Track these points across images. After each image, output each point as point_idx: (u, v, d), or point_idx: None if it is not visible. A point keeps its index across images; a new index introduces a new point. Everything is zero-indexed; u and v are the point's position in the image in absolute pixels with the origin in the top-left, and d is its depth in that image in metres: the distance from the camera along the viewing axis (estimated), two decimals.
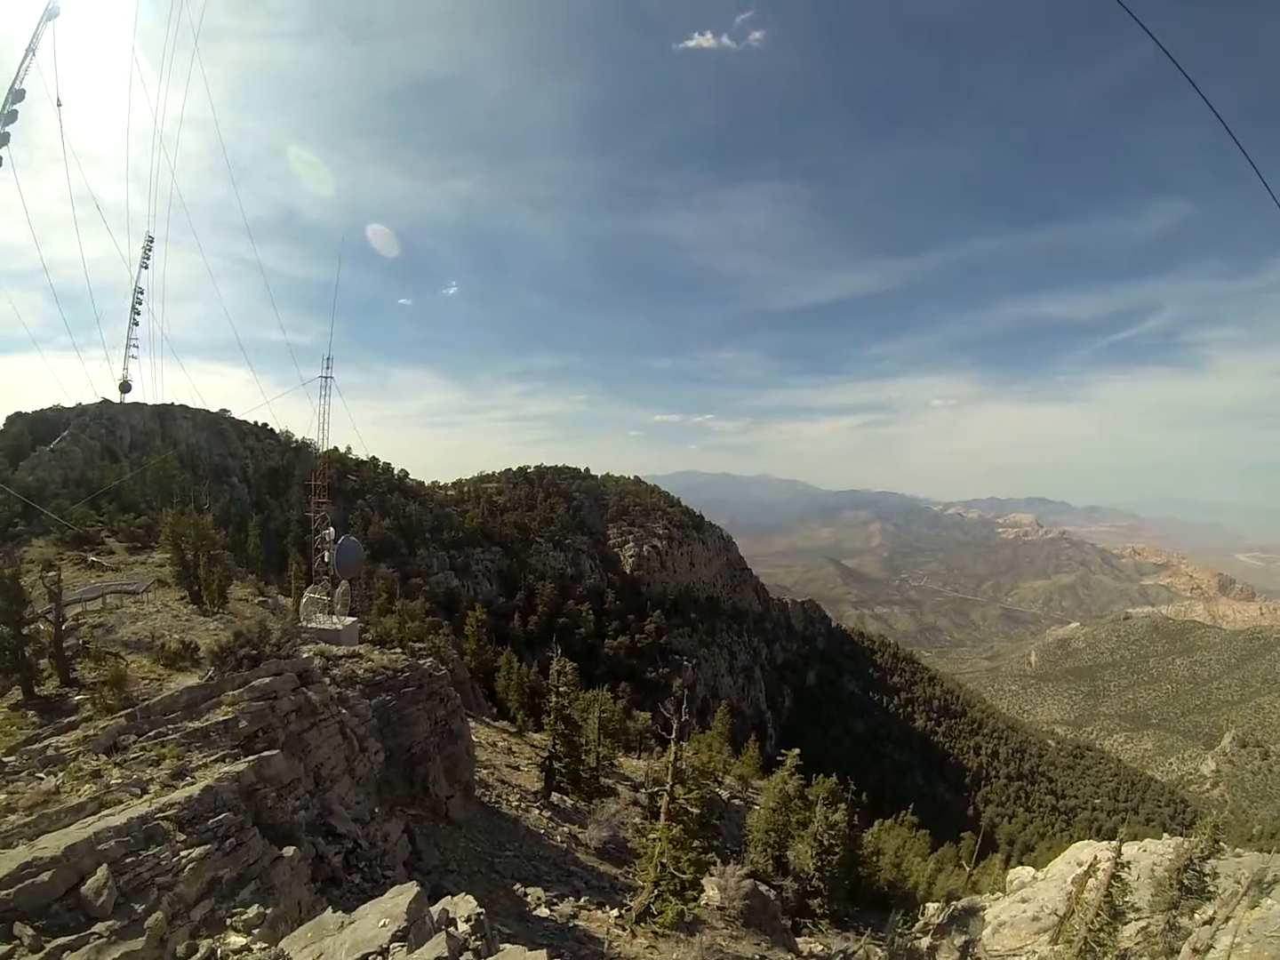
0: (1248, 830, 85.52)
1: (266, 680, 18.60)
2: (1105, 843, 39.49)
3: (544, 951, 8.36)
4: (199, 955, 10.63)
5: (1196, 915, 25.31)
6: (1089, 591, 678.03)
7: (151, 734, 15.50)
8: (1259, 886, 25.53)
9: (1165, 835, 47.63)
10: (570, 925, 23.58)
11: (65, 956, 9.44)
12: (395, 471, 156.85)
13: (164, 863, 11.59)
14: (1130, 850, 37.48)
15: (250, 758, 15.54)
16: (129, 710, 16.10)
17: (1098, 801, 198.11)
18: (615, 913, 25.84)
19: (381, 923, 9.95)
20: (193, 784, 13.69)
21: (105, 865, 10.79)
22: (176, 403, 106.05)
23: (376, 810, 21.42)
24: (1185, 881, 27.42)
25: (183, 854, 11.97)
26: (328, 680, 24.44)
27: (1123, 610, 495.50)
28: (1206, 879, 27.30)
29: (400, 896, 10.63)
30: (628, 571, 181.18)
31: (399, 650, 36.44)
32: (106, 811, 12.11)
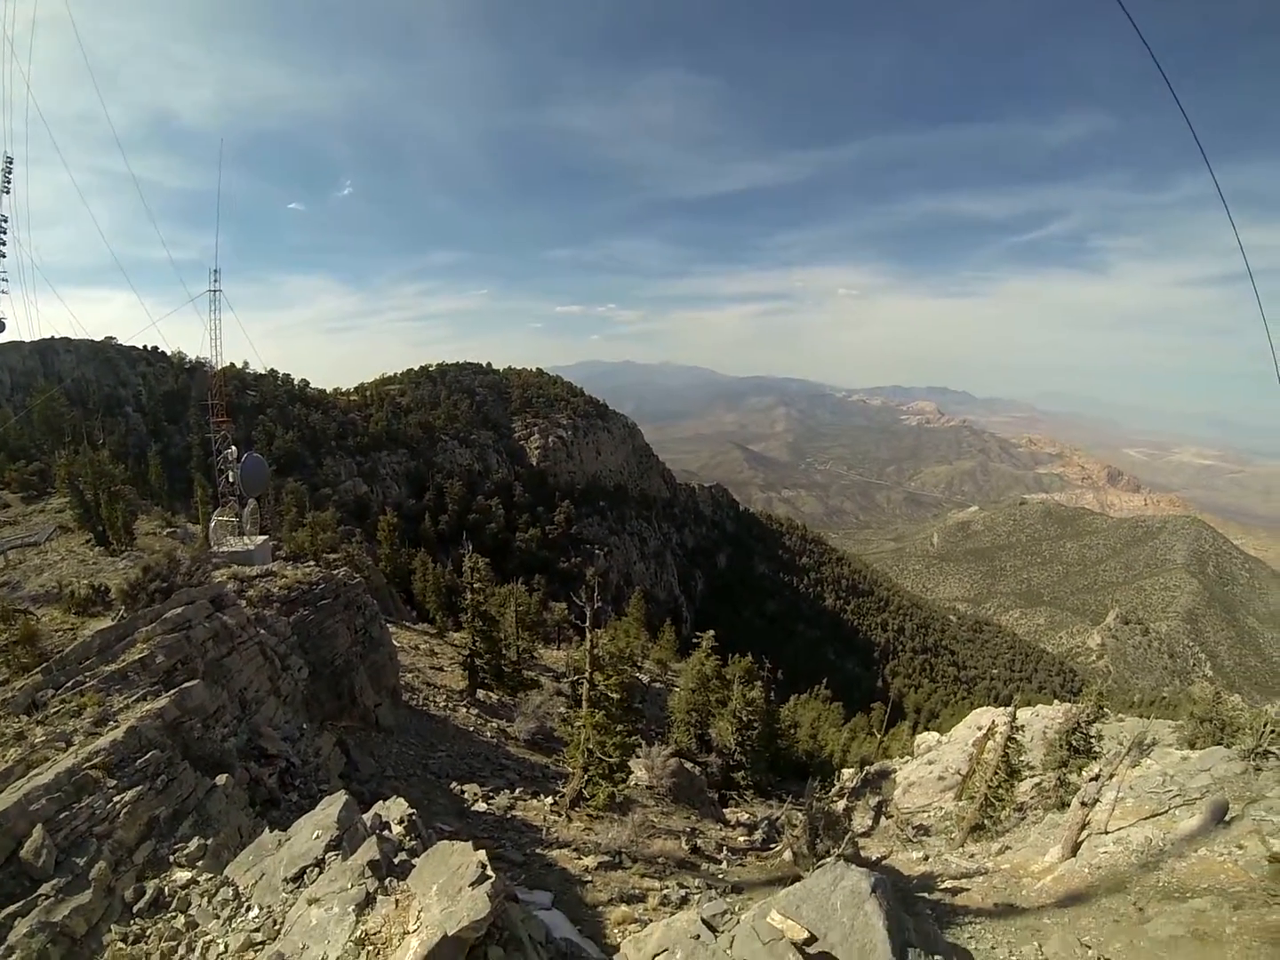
0: (1129, 698, 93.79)
1: (178, 611, 17.97)
2: (1002, 709, 42.97)
3: (470, 843, 8.97)
4: (147, 897, 10.54)
5: (1084, 773, 27.79)
6: (988, 478, 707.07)
7: (69, 685, 14.94)
8: (1139, 748, 28.42)
9: (1055, 702, 52.03)
10: (508, 817, 24.67)
11: (16, 924, 9.47)
12: (295, 382, 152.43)
13: (98, 812, 11.52)
14: (1024, 715, 41.05)
15: (171, 692, 15.24)
16: (44, 665, 15.70)
17: (995, 672, 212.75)
18: (550, 800, 27.01)
19: (315, 835, 10.26)
20: (116, 728, 13.48)
21: (40, 825, 10.73)
22: (57, 336, 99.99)
23: (305, 727, 21.52)
24: (1073, 743, 29.72)
25: (115, 800, 11.90)
26: (243, 603, 23.99)
27: (1019, 496, 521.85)
28: (1092, 740, 29.53)
29: (331, 807, 10.90)
30: (534, 464, 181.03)
31: (313, 563, 36.15)
32: (34, 772, 11.86)
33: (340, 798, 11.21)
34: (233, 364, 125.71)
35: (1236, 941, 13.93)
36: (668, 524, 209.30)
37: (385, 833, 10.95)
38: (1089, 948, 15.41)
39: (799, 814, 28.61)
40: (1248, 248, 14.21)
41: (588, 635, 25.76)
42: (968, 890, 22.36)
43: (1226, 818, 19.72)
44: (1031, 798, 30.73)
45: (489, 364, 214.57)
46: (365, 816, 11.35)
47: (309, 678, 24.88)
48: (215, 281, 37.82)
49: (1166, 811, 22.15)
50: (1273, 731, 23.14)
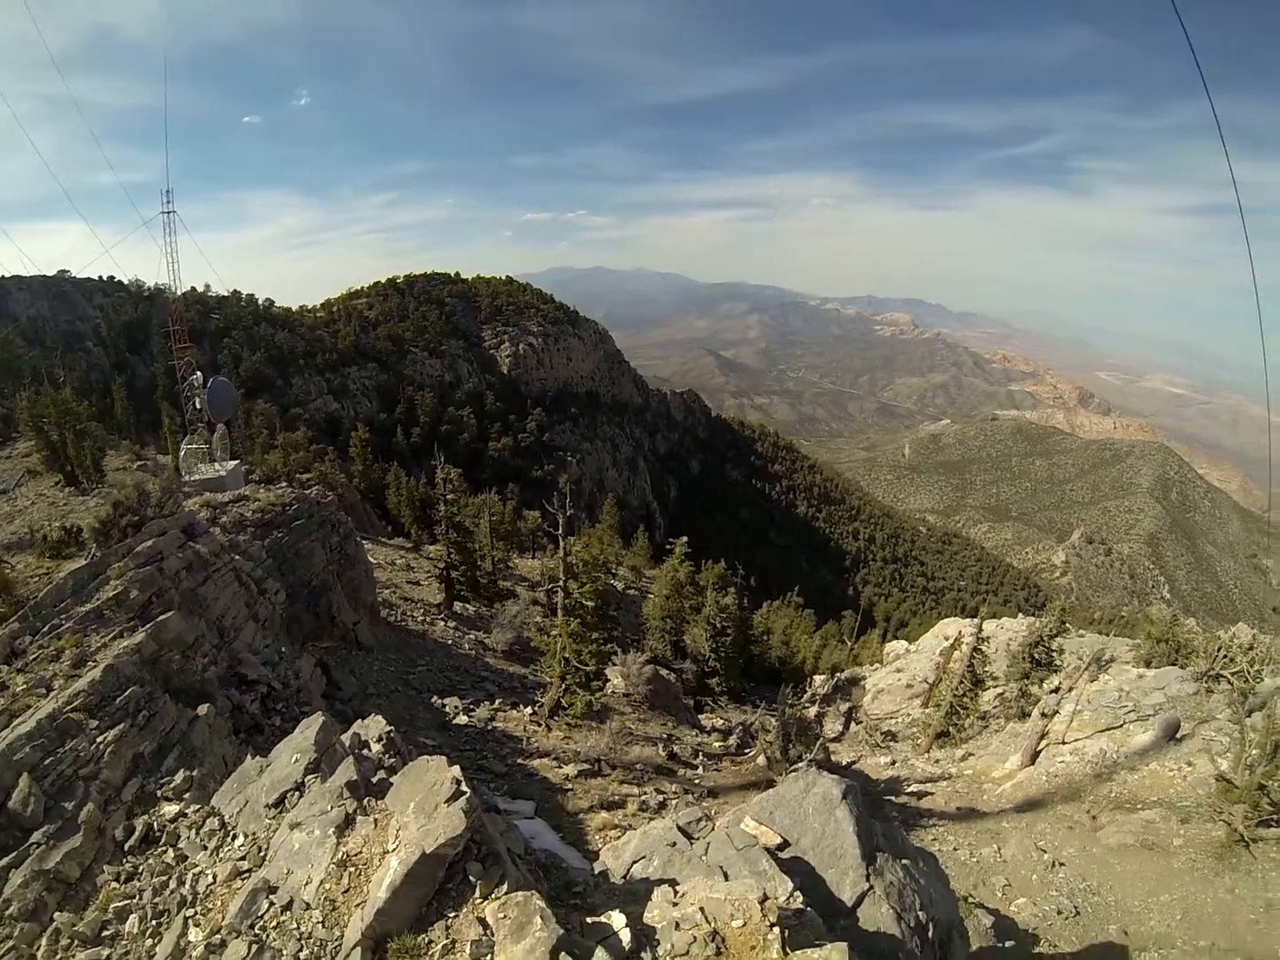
0: (1090, 615, 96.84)
1: (150, 543, 17.69)
2: (969, 620, 44.18)
3: (444, 759, 9.14)
4: (137, 834, 10.59)
5: (1045, 685, 29.09)
6: (960, 392, 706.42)
7: (46, 630, 14.60)
8: (1098, 664, 29.62)
9: (1020, 615, 53.71)
10: (489, 728, 25.38)
11: (10, 875, 9.59)
12: (260, 302, 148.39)
13: (83, 754, 11.53)
14: (989, 627, 42.37)
15: (147, 626, 15.09)
16: (20, 613, 15.54)
17: (963, 584, 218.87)
18: (529, 710, 27.73)
19: (294, 759, 10.20)
20: (94, 668, 13.36)
21: (25, 774, 10.74)
22: (7, 274, 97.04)
23: (285, 650, 21.52)
24: (1036, 656, 30.81)
25: (99, 740, 11.89)
26: (216, 530, 23.68)
27: (991, 412, 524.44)
28: (1054, 654, 30.67)
29: (308, 730, 10.78)
30: (505, 372, 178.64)
31: (286, 485, 35.95)
32: (17, 721, 11.80)
33: (317, 719, 11.11)
34: (193, 288, 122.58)
35: (1182, 853, 15.02)
36: (640, 430, 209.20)
37: (364, 752, 10.92)
38: (1044, 851, 16.53)
39: (772, 720, 29.60)
40: (1237, 182, 14.33)
41: (561, 543, 25.90)
42: (932, 794, 23.67)
43: (1178, 735, 20.90)
44: (994, 707, 32.14)
45: (457, 274, 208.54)
46: (344, 737, 11.24)
47: (286, 600, 24.91)
48: (168, 203, 36.52)
49: (1121, 726, 23.39)
50: (1225, 656, 24.25)
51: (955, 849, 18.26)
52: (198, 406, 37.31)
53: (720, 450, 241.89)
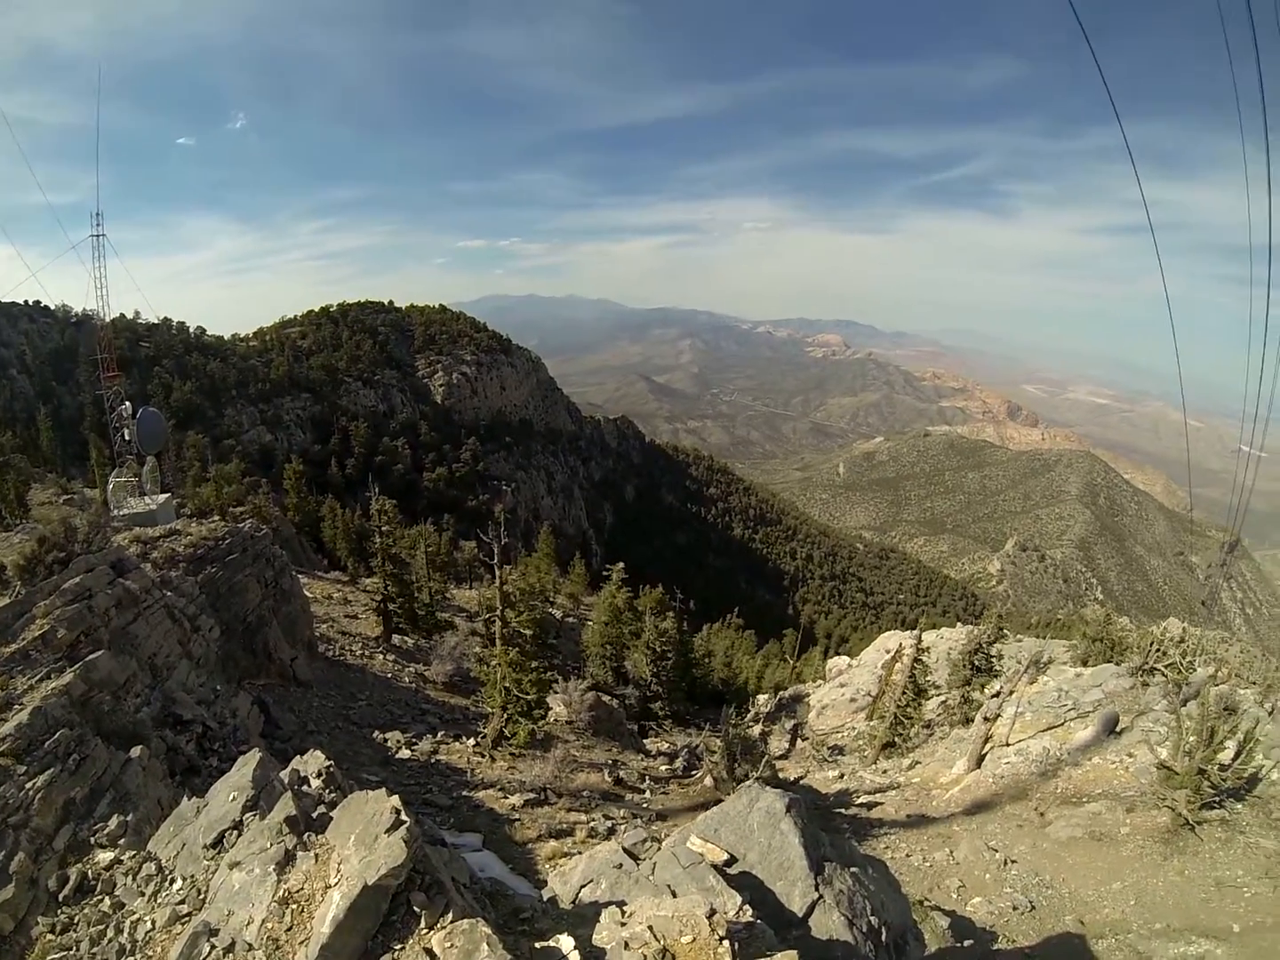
0: (1027, 620, 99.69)
1: (77, 580, 16.98)
2: (908, 632, 44.98)
3: (384, 790, 9.05)
4: (71, 883, 10.02)
5: (986, 690, 29.60)
6: (892, 410, 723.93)
7: None
8: (1036, 666, 30.31)
9: (958, 624, 54.78)
10: (433, 761, 24.85)
11: None
12: (191, 330, 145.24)
13: (11, 801, 11.10)
14: (929, 638, 43.15)
15: (75, 666, 14.52)
16: None
17: (901, 597, 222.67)
18: (472, 742, 27.27)
19: (231, 797, 9.97)
20: (21, 710, 12.86)
21: None
22: None
23: (221, 688, 20.92)
24: (976, 662, 31.40)
25: (28, 786, 11.46)
26: (147, 565, 22.94)
27: (923, 428, 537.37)
28: (993, 660, 31.27)
29: (245, 767, 10.57)
30: (439, 401, 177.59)
31: (219, 518, 35.00)
32: None
33: (254, 756, 10.89)
34: (123, 314, 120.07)
35: (1130, 841, 15.35)
36: (574, 457, 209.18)
37: (304, 788, 10.40)
38: (996, 851, 16.70)
39: (717, 741, 29.64)
40: (1149, 202, 14.95)
41: (497, 573, 25.76)
42: (882, 804, 23.80)
43: (1117, 729, 21.43)
44: (938, 715, 32.56)
45: (391, 302, 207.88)
46: (283, 773, 10.79)
47: (221, 637, 24.19)
48: (98, 225, 35.47)
49: (1063, 724, 23.90)
50: (1158, 650, 25.05)
51: (908, 855, 18.33)
52: (126, 438, 36.03)
53: (655, 476, 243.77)
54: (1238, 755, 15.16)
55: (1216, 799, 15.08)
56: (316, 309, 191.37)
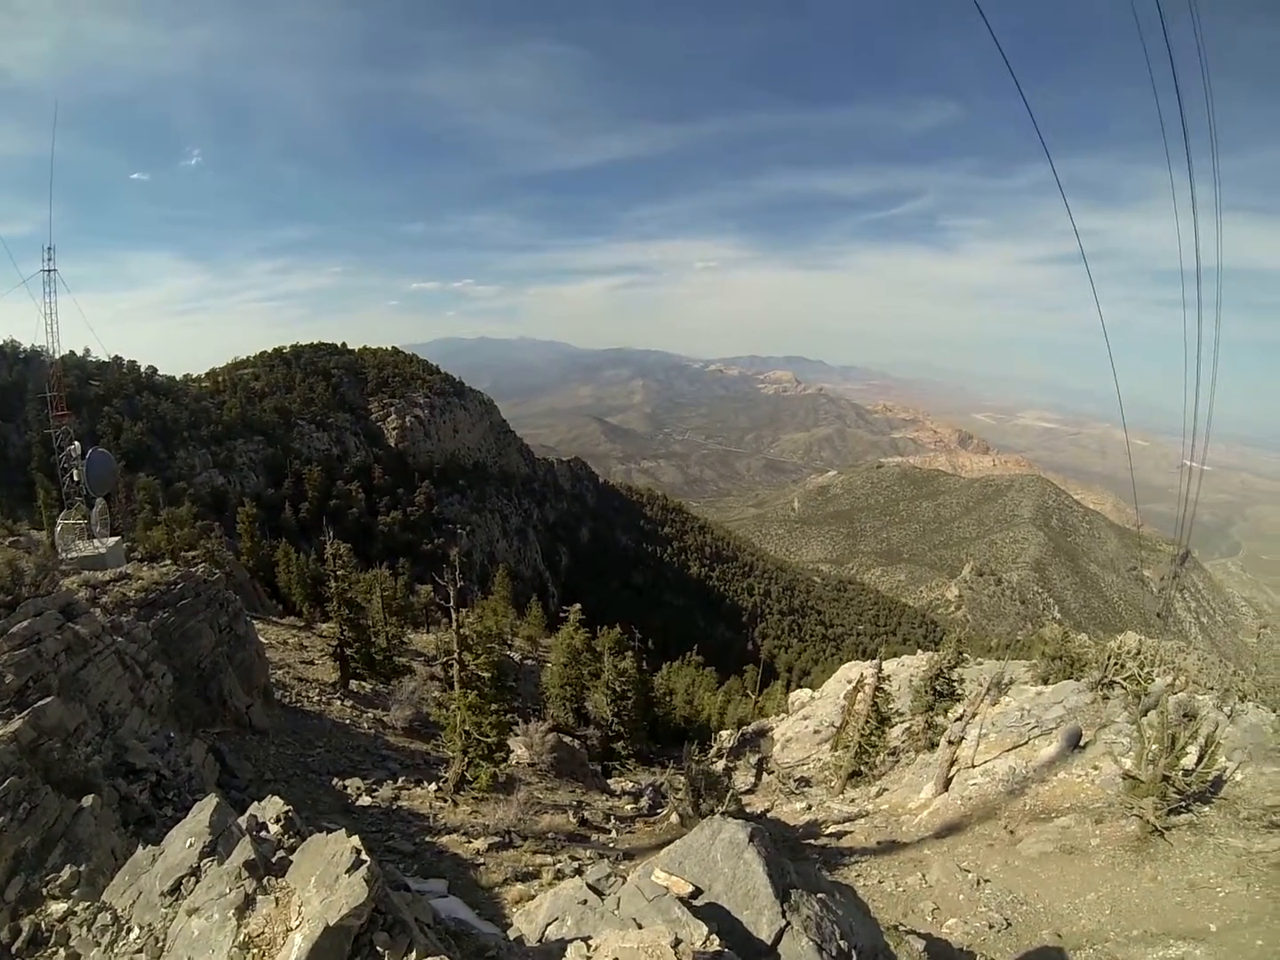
0: (986, 643, 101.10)
1: (25, 624, 16.59)
2: (869, 662, 45.31)
3: (343, 830, 8.91)
4: (24, 935, 9.89)
5: (949, 714, 29.99)
6: (845, 443, 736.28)
7: None
8: (998, 687, 30.80)
9: (919, 651, 55.37)
10: (394, 808, 24.27)
11: None
12: (142, 370, 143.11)
13: None
14: (890, 666, 43.51)
15: (24, 713, 13.99)
16: None
17: (861, 628, 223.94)
18: (434, 787, 26.73)
19: (188, 843, 9.62)
20: None
21: None
22: None
23: (174, 736, 20.43)
24: (937, 687, 31.81)
25: None
26: (97, 610, 22.44)
27: (876, 460, 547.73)
28: (955, 684, 31.78)
29: (202, 813, 10.17)
30: (393, 445, 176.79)
31: (170, 563, 34.22)
32: None
33: (211, 801, 10.44)
34: (72, 352, 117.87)
35: (1101, 852, 15.49)
36: (528, 500, 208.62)
37: (262, 833, 10.20)
38: (968, 871, 16.71)
39: (681, 778, 29.49)
40: (1084, 232, 15.55)
41: (453, 616, 25.55)
42: (852, 832, 23.73)
43: (1081, 743, 21.73)
44: (903, 741, 32.77)
45: (344, 344, 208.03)
46: (241, 820, 10.55)
47: (174, 684, 23.55)
48: (49, 260, 34.89)
49: (1027, 742, 24.16)
50: (1116, 664, 25.52)
51: (880, 881, 18.27)
52: (75, 479, 35.12)
53: (610, 517, 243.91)
54: (1200, 759, 15.44)
55: (1183, 804, 15.33)
56: (269, 350, 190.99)
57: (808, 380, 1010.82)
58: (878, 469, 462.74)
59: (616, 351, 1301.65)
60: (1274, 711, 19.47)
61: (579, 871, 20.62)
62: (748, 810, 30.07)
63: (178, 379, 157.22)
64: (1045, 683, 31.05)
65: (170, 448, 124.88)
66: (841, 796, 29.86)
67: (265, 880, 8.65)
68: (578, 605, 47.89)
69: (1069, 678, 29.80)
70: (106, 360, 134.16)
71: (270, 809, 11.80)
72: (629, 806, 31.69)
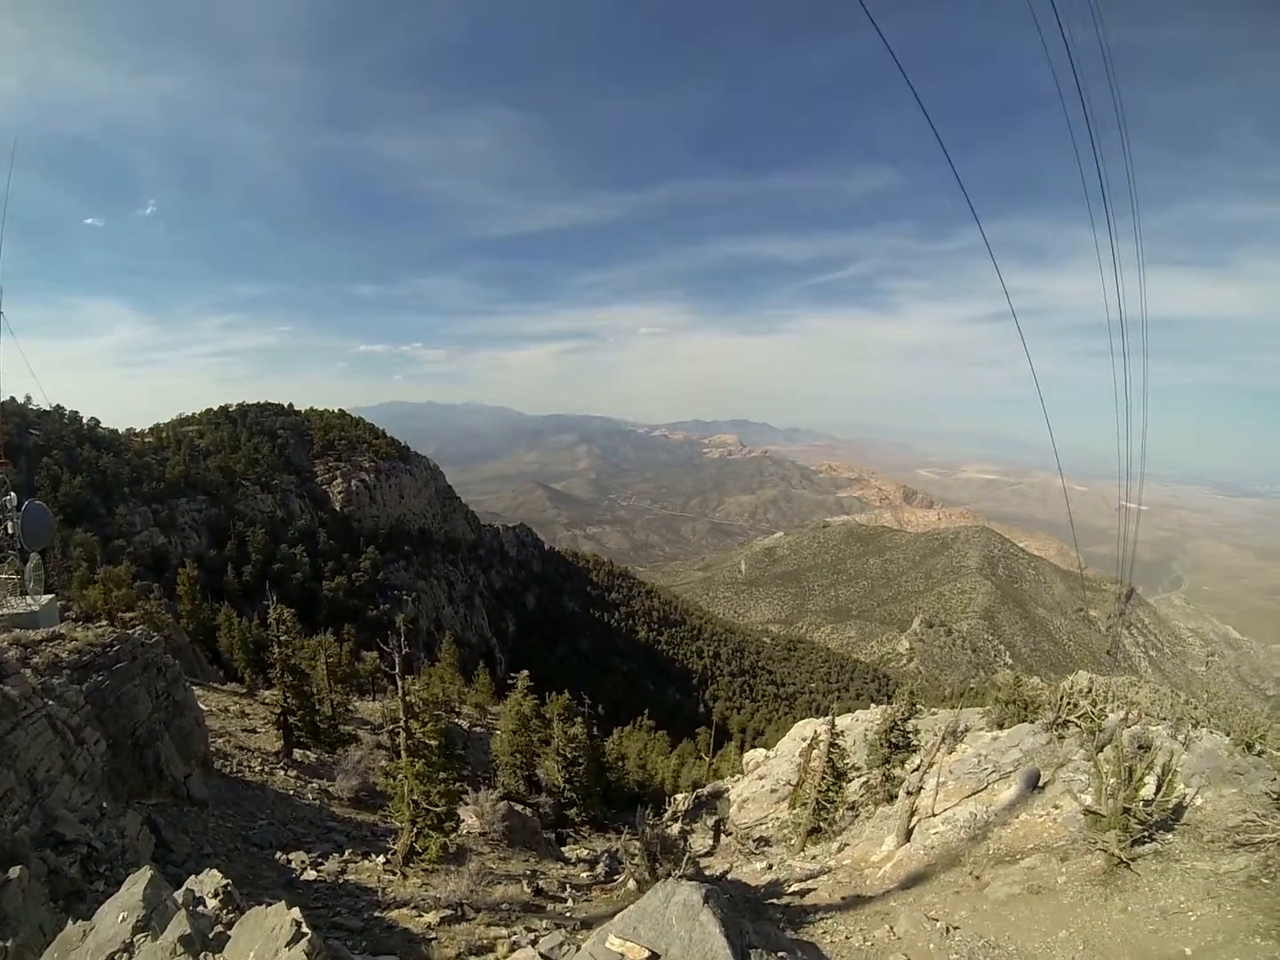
0: (940, 693, 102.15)
1: None
2: (822, 719, 45.29)
3: (283, 903, 8.60)
4: None
5: (906, 765, 29.97)
6: (790, 504, 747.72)
7: None
8: (953, 736, 30.91)
9: (872, 705, 55.52)
10: (340, 882, 23.31)
11: None
12: (85, 421, 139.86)
13: None
14: (844, 721, 43.55)
15: None
16: None
17: (813, 685, 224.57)
18: (382, 859, 25.85)
19: (120, 918, 9.50)
20: None
21: None
22: None
23: (107, 807, 19.54)
24: (893, 740, 32.02)
25: None
26: (27, 671, 21.48)
27: (822, 519, 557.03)
28: (910, 735, 32.09)
29: (135, 886, 10.09)
30: (338, 509, 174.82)
31: (107, 624, 32.97)
32: None
33: (145, 874, 10.30)
34: (13, 398, 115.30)
35: (1068, 889, 15.42)
36: (474, 566, 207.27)
37: (199, 908, 10.25)
38: (936, 920, 16.48)
39: (636, 843, 28.93)
40: (1020, 290, 16.48)
41: (399, 683, 25.03)
42: (815, 890, 23.33)
43: (1040, 784, 21.82)
44: (861, 795, 32.60)
45: (291, 405, 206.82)
46: (176, 893, 10.49)
47: (108, 751, 22.46)
48: None
49: (986, 787, 24.18)
50: (1069, 703, 25.85)
51: (848, 937, 17.90)
52: (9, 531, 33.70)
53: (556, 583, 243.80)
54: (1159, 789, 15.60)
55: (1146, 833, 15.38)
56: (215, 408, 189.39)
57: (752, 443, 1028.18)
58: (824, 528, 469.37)
59: (562, 417, 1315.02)
60: (1227, 735, 19.81)
61: (534, 943, 19.93)
62: (707, 872, 29.51)
63: (121, 432, 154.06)
64: (1000, 727, 31.27)
65: (110, 504, 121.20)
66: (802, 854, 29.46)
67: (202, 956, 8.38)
68: (525, 671, 47.49)
69: (1024, 721, 30.05)
70: (48, 409, 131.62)
71: (208, 883, 11.39)
72: (585, 874, 30.89)
